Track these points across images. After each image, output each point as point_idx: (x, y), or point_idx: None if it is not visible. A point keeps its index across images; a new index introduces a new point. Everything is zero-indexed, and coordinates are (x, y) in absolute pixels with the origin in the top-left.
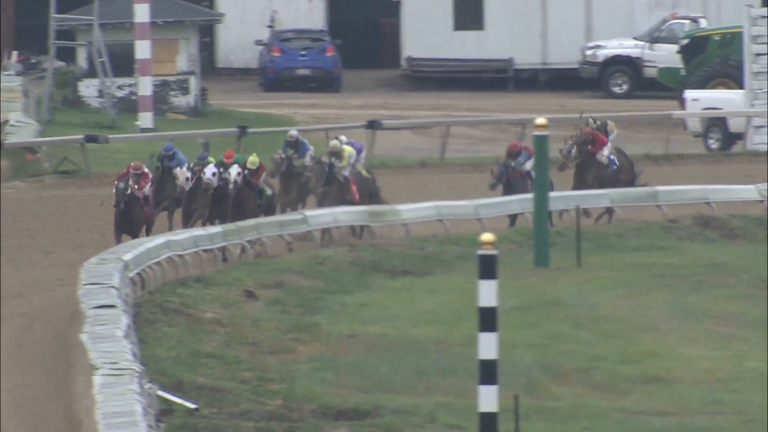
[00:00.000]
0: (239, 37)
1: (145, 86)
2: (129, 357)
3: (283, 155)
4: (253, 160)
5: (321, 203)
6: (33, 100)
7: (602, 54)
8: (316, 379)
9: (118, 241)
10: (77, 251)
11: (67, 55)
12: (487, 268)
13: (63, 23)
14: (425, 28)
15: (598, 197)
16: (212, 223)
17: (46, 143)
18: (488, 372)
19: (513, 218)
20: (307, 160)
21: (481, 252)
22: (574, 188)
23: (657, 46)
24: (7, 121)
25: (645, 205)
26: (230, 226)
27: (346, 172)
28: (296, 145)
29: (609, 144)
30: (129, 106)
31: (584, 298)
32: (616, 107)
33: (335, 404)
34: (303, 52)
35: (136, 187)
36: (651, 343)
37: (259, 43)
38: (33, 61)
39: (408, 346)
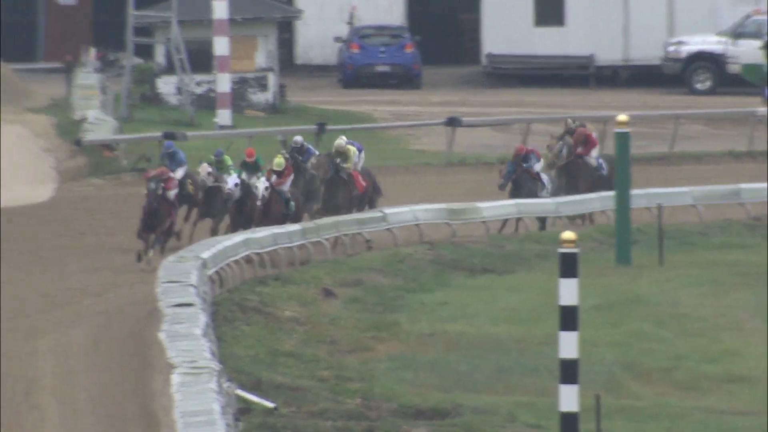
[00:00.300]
0: (318, 34)
1: (223, 83)
2: (207, 355)
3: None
4: (279, 161)
5: (327, 202)
6: (111, 97)
7: (685, 50)
8: (394, 377)
9: (145, 240)
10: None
11: (145, 51)
12: (568, 266)
13: (141, 20)
14: (506, 24)
15: (680, 195)
16: (235, 231)
17: (123, 140)
18: (569, 371)
19: (542, 221)
20: (310, 164)
21: (561, 250)
22: (565, 190)
23: (740, 42)
24: (85, 119)
25: (728, 204)
26: (309, 224)
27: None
28: (302, 151)
29: (598, 146)
30: (207, 103)
31: (666, 296)
32: (699, 104)
33: (414, 403)
34: (382, 49)
35: (163, 187)
36: (733, 342)
37: (338, 39)
38: (111, 58)
39: (488, 344)
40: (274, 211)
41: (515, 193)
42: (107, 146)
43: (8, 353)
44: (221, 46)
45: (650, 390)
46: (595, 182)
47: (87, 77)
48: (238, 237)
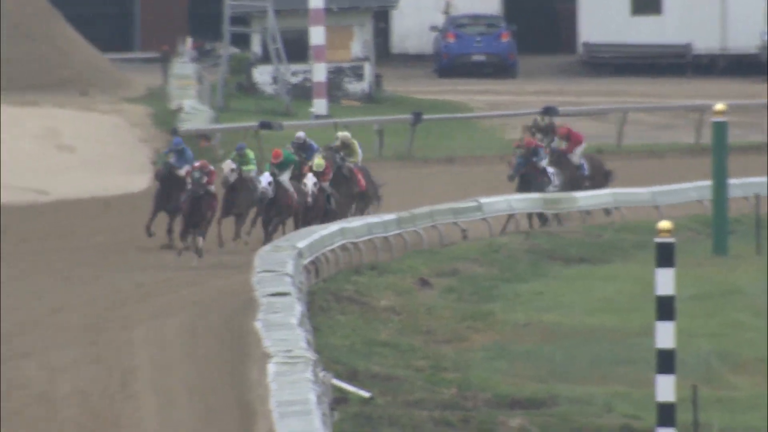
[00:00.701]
0: (414, 23)
1: (319, 72)
2: (303, 345)
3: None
4: (319, 162)
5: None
6: (207, 87)
7: None
8: (490, 367)
9: (185, 235)
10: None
11: (241, 41)
12: (665, 256)
13: (238, 9)
14: (602, 13)
15: None
16: (266, 229)
17: (220, 130)
18: (666, 361)
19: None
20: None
21: (658, 240)
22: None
23: None
24: (181, 108)
25: None
26: (404, 214)
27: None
28: (304, 147)
29: (583, 145)
30: (303, 92)
31: (763, 286)
32: None
33: (510, 393)
34: (478, 38)
35: (206, 181)
36: None
37: (434, 28)
38: (207, 47)
39: (583, 334)
40: (319, 208)
41: (523, 188)
42: (203, 136)
43: (105, 343)
44: (317, 35)
45: (747, 381)
46: (575, 181)
47: (183, 67)
48: (334, 226)
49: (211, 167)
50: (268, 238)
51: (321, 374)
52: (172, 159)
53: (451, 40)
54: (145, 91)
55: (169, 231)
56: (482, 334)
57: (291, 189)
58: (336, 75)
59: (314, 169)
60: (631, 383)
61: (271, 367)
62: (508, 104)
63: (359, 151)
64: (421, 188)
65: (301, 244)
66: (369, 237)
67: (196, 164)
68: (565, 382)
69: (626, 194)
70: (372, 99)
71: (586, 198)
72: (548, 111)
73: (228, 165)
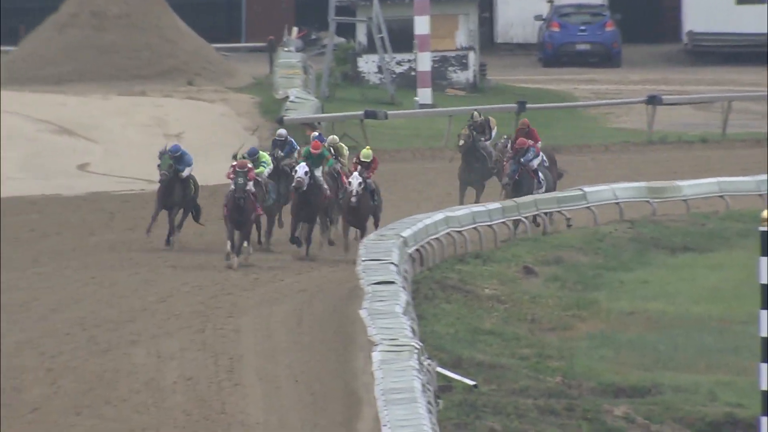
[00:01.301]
0: (518, 12)
1: (424, 62)
2: (408, 333)
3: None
4: (366, 153)
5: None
6: (312, 76)
7: None
8: (595, 356)
9: (232, 237)
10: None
11: (346, 30)
12: None
13: None
14: (707, 2)
15: None
16: (296, 225)
17: (325, 119)
18: None
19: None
20: (294, 159)
21: (762, 228)
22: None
23: None
24: (287, 97)
25: None
26: (509, 203)
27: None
28: (284, 145)
29: (540, 142)
30: (408, 81)
31: None
32: None
33: (614, 381)
34: (582, 27)
35: (249, 183)
36: None
37: (538, 18)
38: (313, 37)
39: (688, 323)
40: (367, 208)
41: (516, 191)
42: (309, 125)
43: (212, 331)
44: (422, 24)
45: None
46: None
47: (289, 56)
48: (438, 215)
49: (249, 164)
50: (294, 232)
51: (426, 362)
52: (170, 163)
53: (556, 30)
54: (251, 80)
55: (171, 231)
56: (587, 323)
57: (325, 185)
58: (440, 64)
59: (362, 159)
60: (735, 372)
61: (376, 355)
62: (612, 93)
63: (347, 154)
64: None
65: (406, 233)
66: (473, 225)
67: (237, 165)
68: (670, 370)
69: (731, 183)
70: (476, 88)
71: (691, 187)
72: (652, 100)
73: (302, 168)
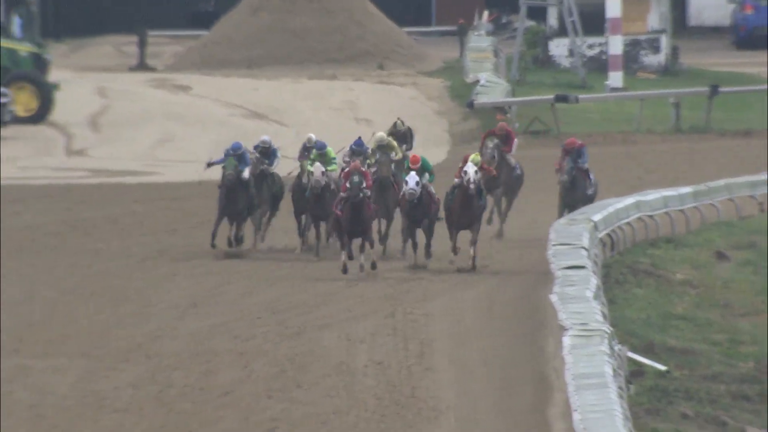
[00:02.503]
0: None
1: (615, 45)
2: (598, 318)
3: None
4: (476, 158)
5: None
6: (503, 60)
7: None
8: None
9: (346, 243)
10: (547, 211)
11: (537, 14)
12: None
13: None
14: None
15: None
16: (411, 230)
17: (515, 103)
18: None
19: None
20: (275, 166)
21: None
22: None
23: None
24: (477, 81)
25: None
26: (701, 187)
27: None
28: (267, 153)
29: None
30: (599, 65)
31: None
32: None
33: None
34: None
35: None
36: None
37: (731, 0)
38: (503, 20)
39: None
40: (430, 209)
41: (570, 196)
42: (499, 109)
43: (402, 315)
44: (613, 8)
45: None
46: (513, 182)
47: (479, 40)
48: (629, 199)
49: (363, 168)
50: (406, 239)
51: (617, 347)
52: (234, 163)
53: (749, 12)
54: (441, 64)
55: (235, 239)
56: None
57: (434, 192)
58: (632, 47)
59: (470, 161)
60: None
61: (567, 340)
62: None
63: (398, 154)
64: (718, 161)
65: (596, 217)
66: (665, 210)
67: (351, 166)
68: None
69: None
70: (668, 71)
71: None
72: None
73: (318, 168)
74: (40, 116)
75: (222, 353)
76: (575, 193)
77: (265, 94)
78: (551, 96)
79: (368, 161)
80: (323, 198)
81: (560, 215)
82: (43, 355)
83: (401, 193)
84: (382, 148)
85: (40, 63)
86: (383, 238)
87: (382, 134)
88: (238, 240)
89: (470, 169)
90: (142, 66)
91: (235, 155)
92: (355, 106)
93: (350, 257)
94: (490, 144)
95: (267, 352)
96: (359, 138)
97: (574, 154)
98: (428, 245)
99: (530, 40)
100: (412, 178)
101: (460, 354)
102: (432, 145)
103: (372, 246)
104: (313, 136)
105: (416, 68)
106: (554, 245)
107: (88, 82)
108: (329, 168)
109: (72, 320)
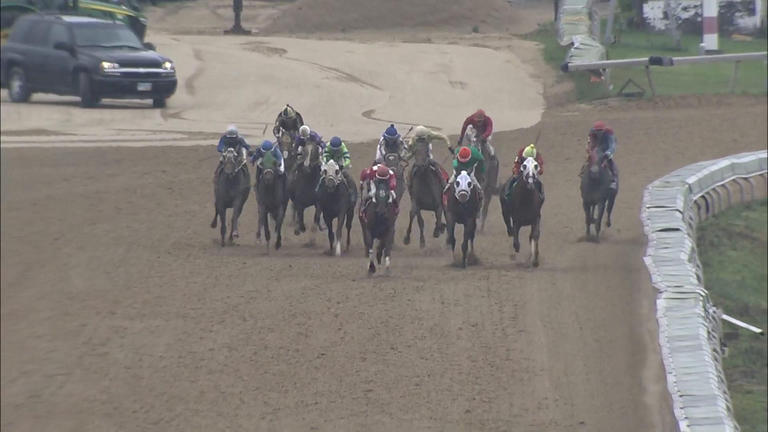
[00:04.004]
0: None
1: (710, 7)
2: (693, 281)
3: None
4: (531, 150)
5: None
6: (597, 23)
7: None
8: None
9: (371, 243)
10: (640, 174)
11: None
12: None
13: None
14: None
15: None
16: (451, 227)
17: (610, 65)
18: None
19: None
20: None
21: None
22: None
23: None
24: (571, 44)
25: None
26: None
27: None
28: (234, 143)
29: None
30: (693, 27)
31: None
32: None
33: None
34: None
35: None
36: None
37: None
38: None
39: None
40: (477, 207)
41: (593, 189)
42: (594, 72)
43: (496, 277)
44: None
45: None
46: (492, 171)
47: (575, 2)
48: (724, 162)
49: (391, 171)
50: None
51: (711, 310)
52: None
53: None
54: (536, 27)
55: (267, 233)
56: None
57: (480, 187)
58: (727, 9)
59: (524, 155)
60: None
61: (661, 303)
62: None
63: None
64: None
65: (691, 180)
66: (760, 172)
67: (376, 172)
68: None
69: None
70: (764, 33)
71: None
72: None
73: (332, 167)
74: None
75: (316, 315)
76: (599, 188)
77: (359, 57)
78: (645, 58)
79: (403, 155)
80: (337, 194)
81: (587, 213)
82: (140, 317)
83: (444, 190)
84: (422, 141)
85: (136, 26)
86: (438, 229)
87: (422, 127)
88: (279, 235)
89: (530, 163)
90: (237, 29)
91: (270, 151)
92: (449, 70)
93: (377, 259)
94: (472, 134)
95: (361, 314)
96: (392, 126)
97: (603, 142)
98: (466, 245)
99: (625, 2)
100: (464, 178)
101: (553, 316)
102: (526, 108)
103: (388, 253)
104: (307, 128)
105: (511, 31)
106: (648, 208)
107: (184, 46)
108: (344, 164)
109: (168, 281)
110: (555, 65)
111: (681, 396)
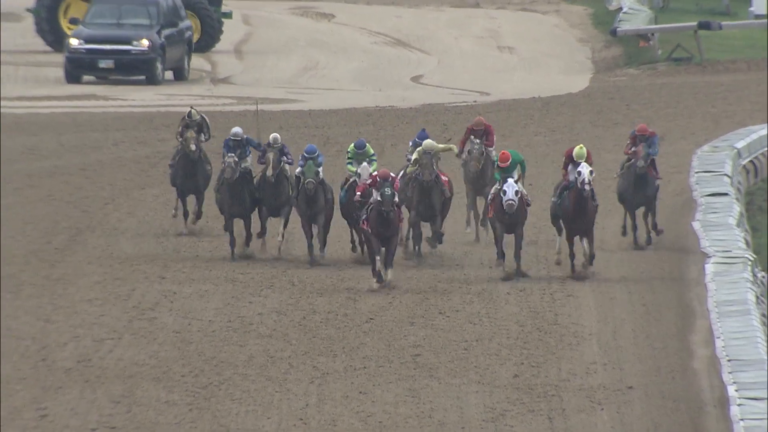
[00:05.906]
0: None
1: None
2: (741, 245)
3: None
4: (582, 152)
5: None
6: None
7: None
8: None
9: (377, 250)
10: (689, 138)
11: None
12: None
13: None
14: None
15: None
16: (498, 237)
17: (658, 30)
18: None
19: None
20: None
21: None
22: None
23: None
24: (620, 9)
25: None
26: None
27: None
28: (239, 146)
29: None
30: None
31: None
32: None
33: None
34: None
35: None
36: None
37: None
38: None
39: None
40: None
41: (638, 190)
42: (642, 36)
43: (546, 243)
44: None
45: None
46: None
47: None
48: None
49: (392, 174)
50: (499, 249)
51: (759, 275)
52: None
53: None
54: None
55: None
56: None
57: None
58: None
59: (576, 157)
60: None
61: (709, 267)
62: None
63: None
64: None
65: (740, 144)
66: None
67: (380, 175)
68: None
69: None
70: None
71: None
72: None
73: (365, 170)
74: (205, 45)
75: (365, 280)
76: (643, 187)
77: (408, 22)
78: (694, 23)
79: (408, 170)
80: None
81: (632, 218)
82: (189, 281)
83: (489, 199)
84: (428, 154)
85: None
86: (436, 236)
87: (430, 142)
88: (322, 242)
89: (584, 169)
90: None
91: (311, 158)
92: (497, 35)
93: (377, 265)
94: (476, 141)
95: (409, 279)
96: (423, 130)
97: (648, 143)
98: (519, 256)
99: None
100: (510, 186)
101: (601, 280)
102: (574, 73)
103: (391, 265)
104: (278, 136)
105: None
106: (697, 172)
107: (233, 10)
108: (373, 168)
109: (218, 246)
110: (603, 30)
111: (729, 360)
